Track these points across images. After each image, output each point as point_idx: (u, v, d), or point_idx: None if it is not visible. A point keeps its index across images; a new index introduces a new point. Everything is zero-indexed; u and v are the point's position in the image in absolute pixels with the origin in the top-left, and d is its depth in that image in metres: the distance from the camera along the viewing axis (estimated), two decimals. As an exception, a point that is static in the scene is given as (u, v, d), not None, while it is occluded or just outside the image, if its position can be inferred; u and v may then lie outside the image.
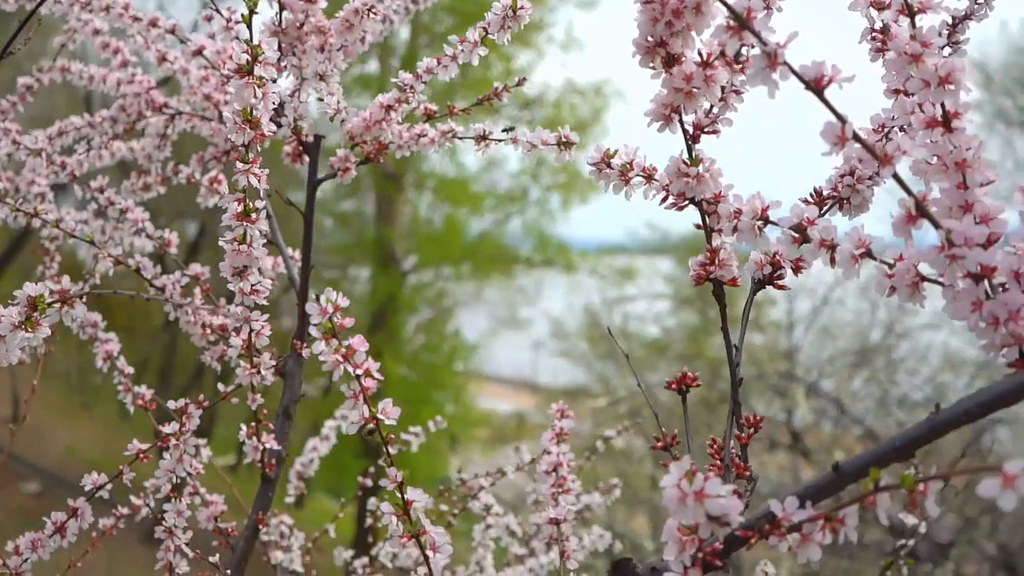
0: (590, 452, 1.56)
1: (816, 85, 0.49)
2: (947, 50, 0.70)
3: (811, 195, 0.67)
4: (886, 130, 0.67)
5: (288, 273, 1.05)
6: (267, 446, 0.95)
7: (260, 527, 0.97)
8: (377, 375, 0.61)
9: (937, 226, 0.50)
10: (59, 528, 0.89)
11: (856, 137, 0.49)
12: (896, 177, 0.50)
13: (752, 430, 0.63)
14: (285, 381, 1.00)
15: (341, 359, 0.60)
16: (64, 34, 1.30)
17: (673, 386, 0.68)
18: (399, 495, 0.63)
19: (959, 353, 7.36)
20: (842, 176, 0.66)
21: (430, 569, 0.64)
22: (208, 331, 1.00)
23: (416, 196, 13.17)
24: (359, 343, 0.61)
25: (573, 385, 10.01)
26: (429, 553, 0.63)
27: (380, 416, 0.62)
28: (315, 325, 0.60)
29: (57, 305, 0.65)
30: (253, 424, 0.94)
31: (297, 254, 1.09)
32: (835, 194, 0.67)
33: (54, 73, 1.28)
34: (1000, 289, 0.51)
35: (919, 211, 0.50)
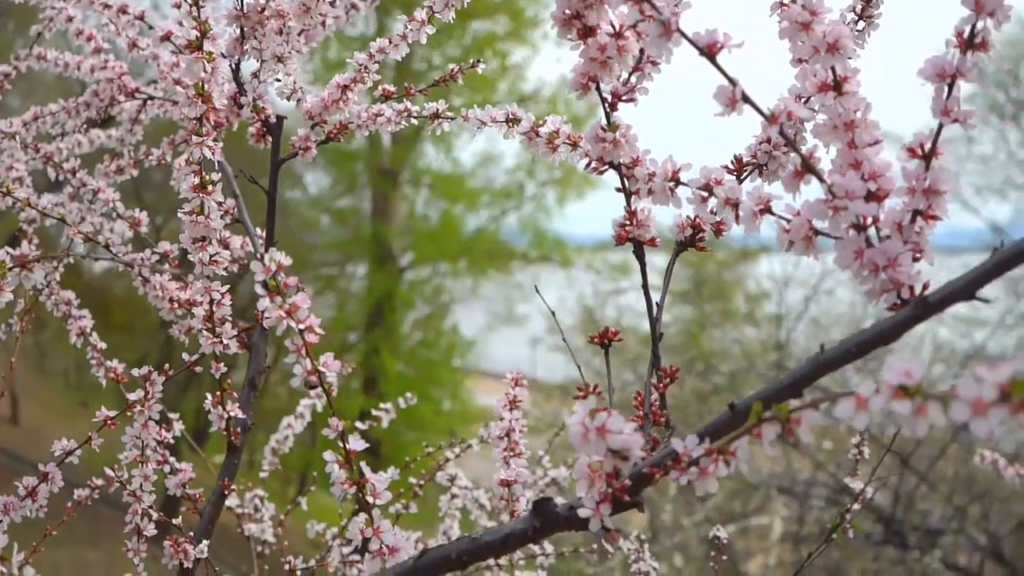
0: (559, 429, 1.60)
1: (709, 51, 0.53)
2: (861, 23, 0.74)
3: (731, 162, 0.71)
4: (802, 100, 0.71)
5: (254, 251, 1.08)
6: (232, 415, 0.99)
7: (226, 493, 1.00)
8: (319, 330, 0.65)
9: (821, 180, 0.54)
10: (30, 492, 0.93)
11: (745, 99, 0.53)
12: (783, 135, 0.54)
13: (668, 380, 0.67)
14: (250, 353, 1.04)
15: (284, 315, 0.64)
16: (40, 23, 1.33)
17: (595, 340, 0.72)
18: (341, 444, 0.67)
19: (948, 344, 7.44)
20: (760, 143, 0.70)
21: (370, 515, 0.68)
22: (175, 305, 1.04)
23: (412, 192, 13.20)
24: (302, 300, 0.65)
25: (569, 380, 10.06)
26: (369, 499, 0.67)
27: (322, 369, 0.66)
28: (259, 283, 0.64)
29: (16, 269, 0.69)
30: (218, 393, 0.98)
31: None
32: (754, 160, 0.70)
33: (31, 61, 1.31)
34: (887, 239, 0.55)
35: (805, 167, 0.54)
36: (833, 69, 0.56)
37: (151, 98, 1.20)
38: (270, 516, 1.31)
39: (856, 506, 1.13)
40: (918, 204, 0.54)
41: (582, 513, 0.57)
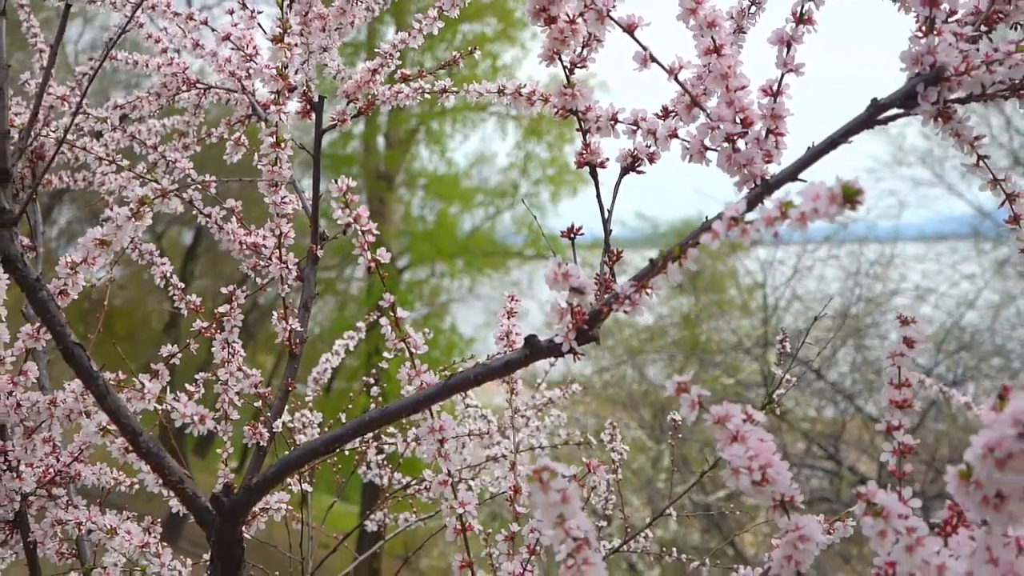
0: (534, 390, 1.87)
1: (630, 28, 0.82)
2: (753, 8, 1.03)
3: (661, 109, 0.99)
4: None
5: (302, 204, 1.37)
6: (293, 328, 1.27)
7: (289, 389, 1.29)
8: (375, 232, 0.94)
9: (704, 111, 0.82)
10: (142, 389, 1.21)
11: (652, 59, 0.82)
12: (678, 82, 0.83)
13: (616, 258, 0.95)
14: (304, 283, 1.32)
15: (352, 220, 0.93)
16: (110, 29, 1.62)
17: (564, 235, 1.00)
18: (392, 314, 0.96)
19: (930, 321, 7.76)
20: (679, 96, 0.99)
21: (413, 363, 0.96)
22: (243, 247, 1.32)
23: (408, 194, 13.45)
24: (363, 211, 0.94)
25: (567, 375, 10.33)
26: (413, 350, 0.96)
27: (378, 258, 0.94)
28: (334, 198, 0.92)
29: (159, 199, 0.97)
30: (282, 310, 1.26)
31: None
32: (675, 110, 0.99)
33: (105, 61, 1.59)
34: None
35: (693, 103, 0.83)
36: (713, 38, 0.85)
37: (210, 87, 1.48)
38: (317, 424, 1.59)
39: (781, 391, 1.41)
40: (768, 124, 0.83)
41: (556, 340, 0.86)
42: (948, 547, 0.68)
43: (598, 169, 0.95)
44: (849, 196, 0.60)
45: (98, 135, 1.57)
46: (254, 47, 1.33)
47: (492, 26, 12.14)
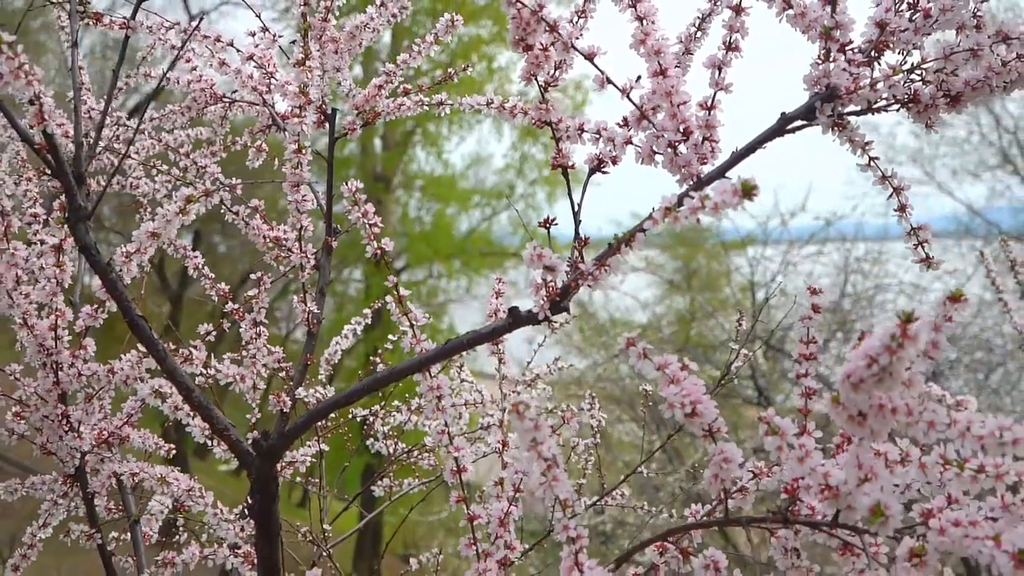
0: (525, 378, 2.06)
1: (589, 56, 1.01)
2: (699, 33, 1.22)
3: (622, 119, 1.18)
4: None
5: (317, 202, 1.56)
6: (311, 310, 1.46)
7: (308, 364, 1.48)
8: (380, 224, 1.13)
9: (651, 122, 1.02)
10: (184, 359, 1.40)
11: (608, 81, 1.01)
12: (630, 99, 1.02)
13: (584, 243, 1.15)
14: (320, 271, 1.52)
15: (361, 216, 1.12)
16: (144, 48, 1.81)
17: (542, 224, 1.19)
18: (396, 292, 1.15)
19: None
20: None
21: (414, 332, 1.15)
22: (266, 240, 1.51)
23: (405, 196, 13.62)
24: (370, 208, 1.13)
25: (566, 375, 10.53)
26: (413, 321, 1.15)
27: (383, 246, 1.13)
28: (345, 198, 1.12)
29: (203, 198, 1.17)
30: (302, 294, 1.46)
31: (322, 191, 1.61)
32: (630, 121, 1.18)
33: (139, 78, 1.79)
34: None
35: (641, 115, 1.02)
36: (659, 63, 1.04)
37: (234, 101, 1.68)
38: (327, 377, 1.78)
39: (738, 363, 1.60)
40: (704, 133, 1.02)
41: (534, 310, 1.05)
42: (837, 463, 0.88)
43: (569, 170, 1.15)
44: (746, 191, 0.79)
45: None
46: (274, 65, 1.52)
47: (488, 28, 12.35)
